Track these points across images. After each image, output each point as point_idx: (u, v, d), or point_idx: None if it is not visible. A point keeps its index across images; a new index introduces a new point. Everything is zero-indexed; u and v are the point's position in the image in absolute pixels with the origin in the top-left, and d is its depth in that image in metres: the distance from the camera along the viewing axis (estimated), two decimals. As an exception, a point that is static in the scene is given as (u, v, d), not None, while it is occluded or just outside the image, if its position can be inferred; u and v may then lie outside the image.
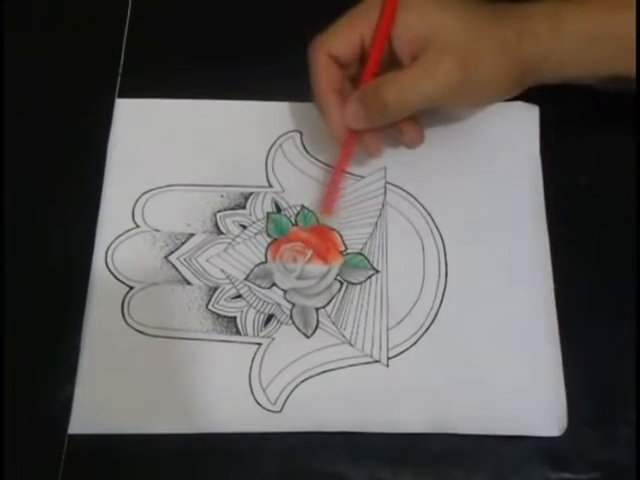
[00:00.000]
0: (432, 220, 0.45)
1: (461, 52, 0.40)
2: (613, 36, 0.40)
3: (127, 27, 0.50)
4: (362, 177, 0.46)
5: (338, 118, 0.42)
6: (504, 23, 0.40)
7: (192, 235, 0.44)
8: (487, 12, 0.41)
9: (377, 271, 0.44)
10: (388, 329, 0.42)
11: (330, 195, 0.44)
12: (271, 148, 0.47)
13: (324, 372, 0.41)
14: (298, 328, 0.42)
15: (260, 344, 0.42)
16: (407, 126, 0.43)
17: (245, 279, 0.43)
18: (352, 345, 0.42)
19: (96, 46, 0.49)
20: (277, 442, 0.40)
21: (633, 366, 0.41)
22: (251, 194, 0.46)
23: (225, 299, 0.43)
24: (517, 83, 0.42)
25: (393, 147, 0.46)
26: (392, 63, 0.41)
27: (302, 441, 0.40)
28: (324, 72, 0.42)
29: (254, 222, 0.45)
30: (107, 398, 0.41)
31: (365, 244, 0.44)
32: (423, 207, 0.45)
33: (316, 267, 0.44)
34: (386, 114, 0.41)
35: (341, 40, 0.42)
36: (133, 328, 0.42)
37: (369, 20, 0.41)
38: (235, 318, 0.42)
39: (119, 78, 0.48)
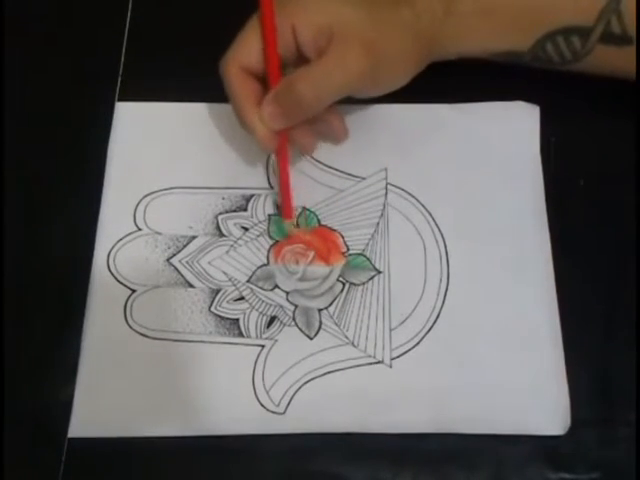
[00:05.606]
0: (433, 220, 0.45)
1: (366, 38, 0.40)
2: (503, 11, 0.41)
3: (127, 28, 0.49)
4: (363, 178, 0.46)
5: (266, 129, 0.41)
6: (400, 4, 0.41)
7: (194, 238, 0.44)
8: None
9: (379, 272, 0.44)
10: (391, 330, 0.42)
11: (285, 201, 0.44)
12: (272, 149, 0.47)
13: (327, 373, 0.41)
14: (301, 329, 0.42)
15: (263, 346, 0.42)
16: (333, 121, 0.44)
17: (247, 281, 0.43)
18: (355, 346, 0.42)
19: (96, 47, 0.49)
20: (277, 442, 0.40)
21: (633, 366, 0.41)
22: (252, 196, 0.46)
23: (227, 301, 0.43)
24: (423, 60, 0.43)
25: (393, 148, 0.46)
26: (302, 64, 0.41)
27: (302, 441, 0.40)
28: (241, 87, 0.41)
29: (256, 224, 0.45)
30: (108, 401, 0.41)
31: (367, 245, 0.44)
32: (424, 208, 0.45)
33: (318, 268, 0.44)
34: (302, 109, 0.41)
35: (250, 50, 0.41)
36: (135, 331, 0.42)
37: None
38: (238, 320, 0.43)
39: (119, 80, 0.48)
